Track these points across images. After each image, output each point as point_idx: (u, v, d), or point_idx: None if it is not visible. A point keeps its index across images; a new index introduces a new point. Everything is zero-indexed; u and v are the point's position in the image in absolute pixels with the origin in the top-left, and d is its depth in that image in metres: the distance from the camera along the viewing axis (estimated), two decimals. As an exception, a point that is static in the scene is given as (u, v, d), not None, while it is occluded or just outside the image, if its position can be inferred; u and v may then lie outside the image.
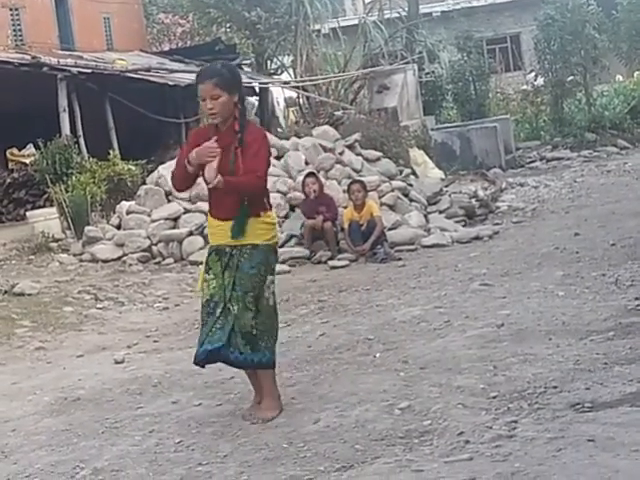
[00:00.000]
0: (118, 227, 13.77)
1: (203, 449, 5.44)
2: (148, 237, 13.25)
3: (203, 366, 6.02)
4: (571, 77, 25.54)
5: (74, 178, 15.61)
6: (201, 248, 12.85)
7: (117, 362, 7.90)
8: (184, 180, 6.04)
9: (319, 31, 25.65)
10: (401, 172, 15.36)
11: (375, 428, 5.37)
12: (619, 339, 6.61)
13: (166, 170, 14.20)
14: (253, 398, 6.09)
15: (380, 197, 13.41)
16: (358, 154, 14.93)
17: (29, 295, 10.82)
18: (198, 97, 5.91)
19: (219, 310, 5.84)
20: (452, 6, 35.40)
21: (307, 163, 14.16)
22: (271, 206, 6.13)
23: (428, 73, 26.05)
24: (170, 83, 21.16)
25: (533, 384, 5.79)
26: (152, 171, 15.08)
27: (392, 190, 13.81)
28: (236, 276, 5.85)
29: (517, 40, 36.93)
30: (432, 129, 22.94)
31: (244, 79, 24.00)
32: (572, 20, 24.88)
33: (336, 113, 20.82)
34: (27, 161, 18.81)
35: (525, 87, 28.83)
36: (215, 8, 26.19)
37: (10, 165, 19.69)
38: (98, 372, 7.62)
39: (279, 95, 27.91)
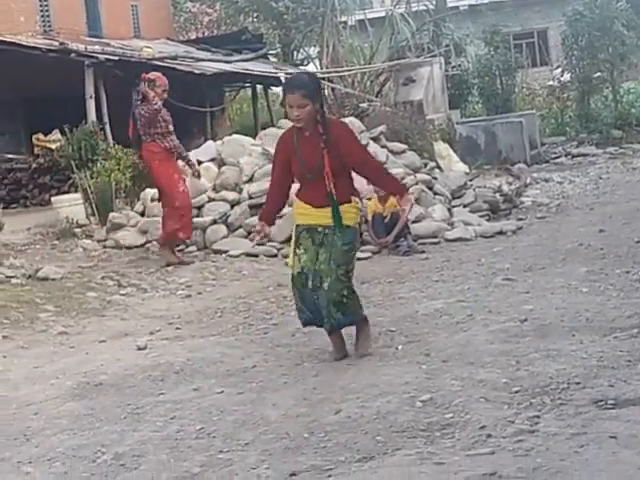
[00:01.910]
0: (142, 214, 13.79)
1: (224, 437, 5.45)
2: (172, 225, 13.25)
3: (318, 326, 6.99)
4: (598, 73, 25.46)
5: (99, 164, 15.65)
6: (224, 237, 12.89)
7: (139, 348, 7.91)
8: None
9: (346, 23, 25.64)
10: (426, 165, 15.33)
11: (396, 420, 5.36)
12: (643, 337, 6.57)
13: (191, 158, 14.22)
14: (334, 350, 6.95)
15: (404, 190, 13.37)
16: (383, 146, 14.90)
17: (53, 280, 10.86)
18: (285, 104, 6.78)
19: (310, 283, 6.73)
20: (480, 0, 35.28)
21: (332, 154, 14.13)
22: (357, 191, 6.99)
23: (454, 67, 26.02)
24: (196, 72, 21.16)
25: (556, 380, 5.76)
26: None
27: (416, 183, 13.78)
28: (332, 252, 6.69)
29: (544, 35, 36.76)
30: (457, 123, 22.90)
31: (270, 69, 24.00)
32: (601, 16, 24.79)
33: (361, 105, 20.77)
34: (53, 146, 18.88)
35: (551, 83, 28.72)
36: (243, -3, 26.22)
37: (36, 150, 19.78)
38: (120, 358, 7.64)
39: (305, 86, 27.88)
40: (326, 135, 6.62)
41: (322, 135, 6.63)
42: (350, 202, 6.80)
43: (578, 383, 5.66)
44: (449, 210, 13.87)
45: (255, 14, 27.97)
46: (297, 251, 6.80)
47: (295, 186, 7.04)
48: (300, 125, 6.65)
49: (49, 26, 22.34)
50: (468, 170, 18.74)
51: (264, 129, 16.93)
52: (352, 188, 6.91)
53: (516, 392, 5.62)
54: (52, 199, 15.82)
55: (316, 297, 6.72)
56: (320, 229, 6.73)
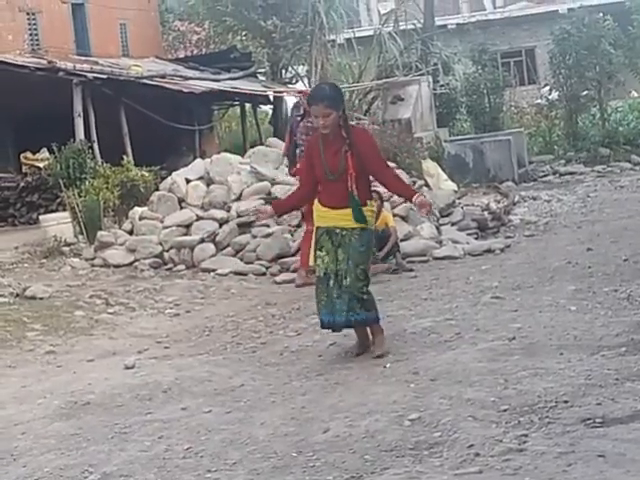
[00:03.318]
0: (130, 233, 13.77)
1: (212, 456, 5.43)
2: (160, 243, 13.25)
3: (334, 330, 7.53)
4: (586, 92, 25.50)
5: (87, 183, 15.62)
6: (212, 255, 12.86)
7: (127, 367, 7.89)
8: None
9: (334, 41, 25.70)
10: (414, 183, 15.32)
11: (385, 439, 5.36)
12: (631, 355, 6.58)
13: (179, 177, 14.23)
14: (356, 344, 7.57)
15: (393, 208, 13.38)
16: (371, 164, 14.89)
17: (40, 299, 10.83)
18: (311, 114, 7.48)
19: (332, 282, 7.27)
20: (468, 19, 35.35)
21: (320, 172, 14.12)
22: (372, 196, 7.56)
23: (442, 85, 26.05)
24: (185, 90, 21.21)
25: (544, 398, 5.76)
26: (165, 177, 15.07)
27: (405, 201, 13.77)
28: (350, 253, 7.24)
29: (532, 54, 36.87)
30: (445, 141, 22.93)
31: (258, 87, 24.03)
32: (588, 35, 24.86)
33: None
34: (41, 165, 18.89)
35: (539, 101, 28.79)
36: (231, 16, 26.27)
37: (24, 169, 19.79)
38: (108, 377, 7.62)
39: (293, 104, 27.92)
40: (349, 139, 7.21)
41: (345, 139, 7.21)
42: (366, 205, 7.31)
43: (566, 402, 5.66)
44: (437, 228, 13.87)
45: (244, 33, 28.03)
46: (319, 253, 7.35)
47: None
48: (326, 132, 7.23)
49: (37, 45, 22.35)
50: (456, 188, 18.75)
51: (253, 147, 16.94)
52: (370, 191, 7.48)
53: (504, 411, 5.62)
54: (40, 218, 15.80)
55: (337, 296, 7.24)
56: (338, 231, 7.28)
